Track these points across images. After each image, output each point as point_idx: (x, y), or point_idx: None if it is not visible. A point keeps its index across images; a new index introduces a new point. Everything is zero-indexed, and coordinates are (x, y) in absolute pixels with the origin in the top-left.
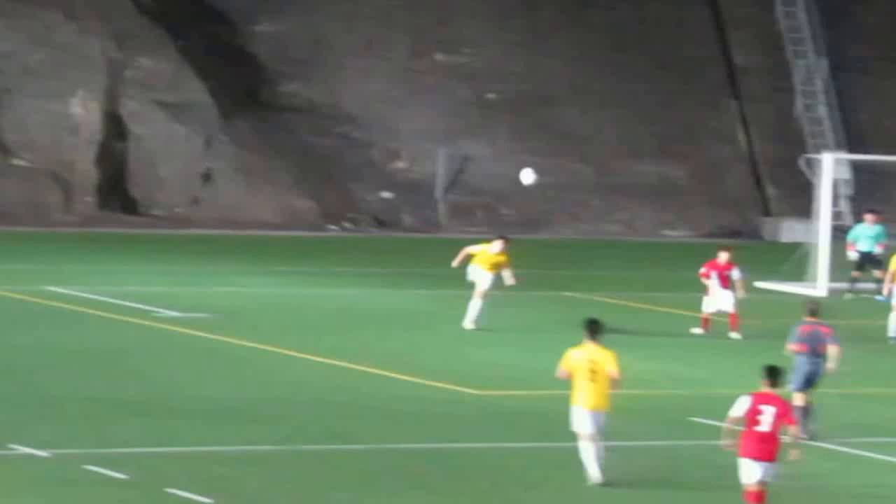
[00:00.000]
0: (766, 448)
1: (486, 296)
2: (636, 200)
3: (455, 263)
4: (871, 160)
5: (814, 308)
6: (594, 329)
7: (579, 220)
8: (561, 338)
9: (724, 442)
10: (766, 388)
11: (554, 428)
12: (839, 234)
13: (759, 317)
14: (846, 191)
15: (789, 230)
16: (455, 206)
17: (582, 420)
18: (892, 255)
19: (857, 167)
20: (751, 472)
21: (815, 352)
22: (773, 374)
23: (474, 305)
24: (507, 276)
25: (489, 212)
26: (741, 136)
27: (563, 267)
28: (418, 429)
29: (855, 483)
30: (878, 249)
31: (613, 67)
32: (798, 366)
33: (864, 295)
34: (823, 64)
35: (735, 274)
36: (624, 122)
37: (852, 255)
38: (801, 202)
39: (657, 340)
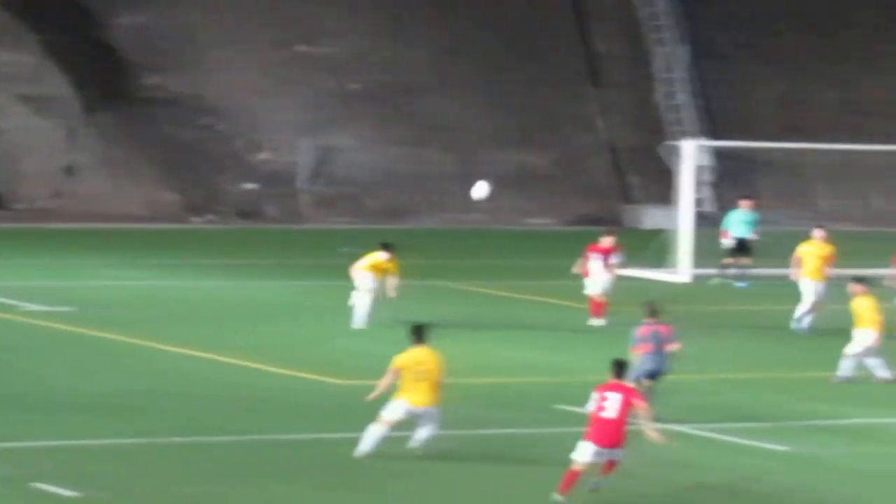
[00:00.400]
0: (611, 434)
1: (375, 295)
2: (498, 189)
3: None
4: (733, 146)
5: (653, 309)
6: (420, 335)
7: (442, 210)
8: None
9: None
10: (612, 380)
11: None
12: (702, 220)
13: (622, 303)
14: (708, 177)
15: (650, 217)
16: (319, 196)
17: (396, 409)
18: (799, 243)
19: (718, 154)
20: (584, 454)
21: (660, 350)
22: (619, 367)
23: (362, 305)
24: (391, 287)
25: (353, 202)
26: (602, 124)
27: (427, 256)
28: (284, 419)
29: (713, 466)
30: (752, 236)
31: (475, 57)
32: (642, 363)
33: (730, 281)
34: (684, 52)
35: (614, 259)
36: (486, 110)
37: (727, 242)
38: (662, 189)
39: (521, 328)
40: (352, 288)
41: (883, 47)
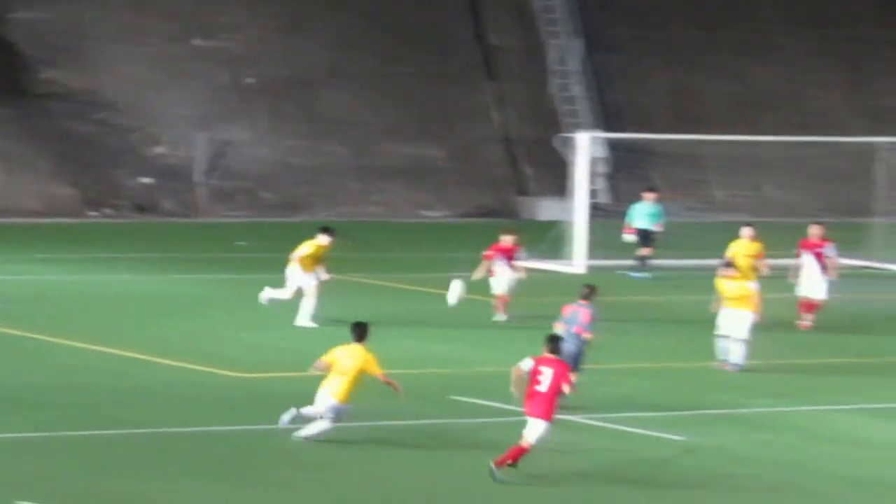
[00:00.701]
0: (540, 406)
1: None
2: (394, 182)
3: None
4: (627, 138)
5: (586, 292)
6: (360, 333)
7: (339, 203)
8: (324, 319)
9: (512, 388)
10: (546, 353)
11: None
12: (597, 211)
13: (517, 294)
14: (602, 169)
15: (546, 209)
16: (215, 190)
17: (321, 400)
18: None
19: (612, 145)
20: (533, 430)
21: (570, 331)
22: (553, 341)
23: (309, 303)
24: (322, 272)
25: (249, 196)
26: (497, 117)
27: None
28: (188, 413)
29: (612, 455)
30: (655, 228)
31: (370, 50)
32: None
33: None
34: (578, 44)
35: (521, 255)
36: (381, 104)
37: (629, 237)
38: (557, 181)
39: (418, 320)
40: (253, 282)
41: (775, 39)
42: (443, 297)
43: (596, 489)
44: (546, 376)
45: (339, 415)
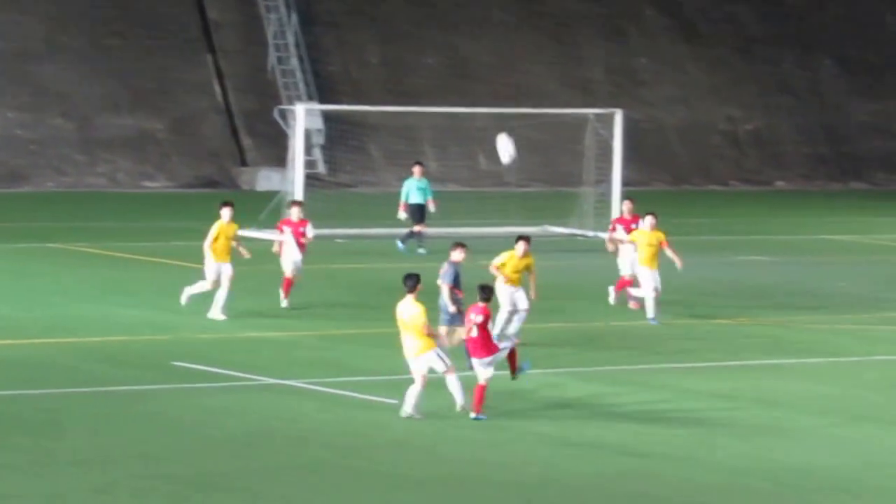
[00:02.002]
0: (482, 348)
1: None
2: (117, 153)
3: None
4: (342, 110)
5: (458, 247)
6: (412, 285)
7: (62, 174)
8: (51, 287)
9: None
10: (479, 302)
11: (48, 375)
12: (314, 182)
13: (239, 263)
14: (319, 140)
15: (265, 179)
16: None
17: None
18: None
19: (328, 117)
20: (479, 371)
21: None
22: (485, 291)
23: (222, 295)
24: (244, 250)
25: None
26: (217, 89)
27: (47, 219)
28: None
29: (328, 420)
30: (427, 201)
31: (91, 24)
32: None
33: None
34: (294, 18)
35: (309, 231)
36: (102, 77)
37: (403, 214)
38: (275, 152)
39: (139, 288)
40: None
41: (484, 13)
42: (161, 266)
43: (311, 453)
44: (475, 321)
45: (444, 358)
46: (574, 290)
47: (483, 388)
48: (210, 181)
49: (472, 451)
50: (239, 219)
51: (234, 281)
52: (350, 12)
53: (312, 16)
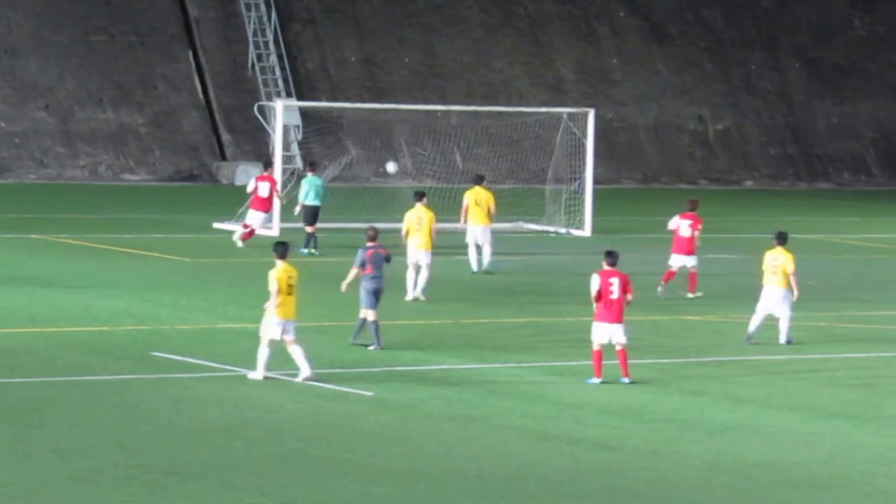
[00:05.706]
0: (616, 312)
1: None
2: (98, 147)
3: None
4: (319, 106)
5: (372, 234)
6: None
7: (44, 167)
8: (32, 278)
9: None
10: (607, 267)
11: (29, 364)
12: (292, 177)
13: (218, 255)
14: (296, 136)
15: (244, 173)
16: None
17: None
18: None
19: (306, 114)
20: (602, 334)
21: (379, 271)
22: (611, 255)
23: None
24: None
25: None
26: (197, 85)
27: (29, 211)
28: None
29: (300, 411)
30: (314, 203)
31: (75, 19)
32: (364, 285)
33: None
34: (273, 16)
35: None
36: (85, 72)
37: (299, 211)
38: (254, 147)
39: (119, 279)
40: None
41: (461, 13)
42: (141, 257)
43: (287, 443)
44: (615, 286)
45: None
46: (548, 286)
47: (625, 353)
48: (190, 175)
49: (449, 444)
50: (216, 212)
51: (246, 273)
52: (328, 10)
53: (291, 13)
